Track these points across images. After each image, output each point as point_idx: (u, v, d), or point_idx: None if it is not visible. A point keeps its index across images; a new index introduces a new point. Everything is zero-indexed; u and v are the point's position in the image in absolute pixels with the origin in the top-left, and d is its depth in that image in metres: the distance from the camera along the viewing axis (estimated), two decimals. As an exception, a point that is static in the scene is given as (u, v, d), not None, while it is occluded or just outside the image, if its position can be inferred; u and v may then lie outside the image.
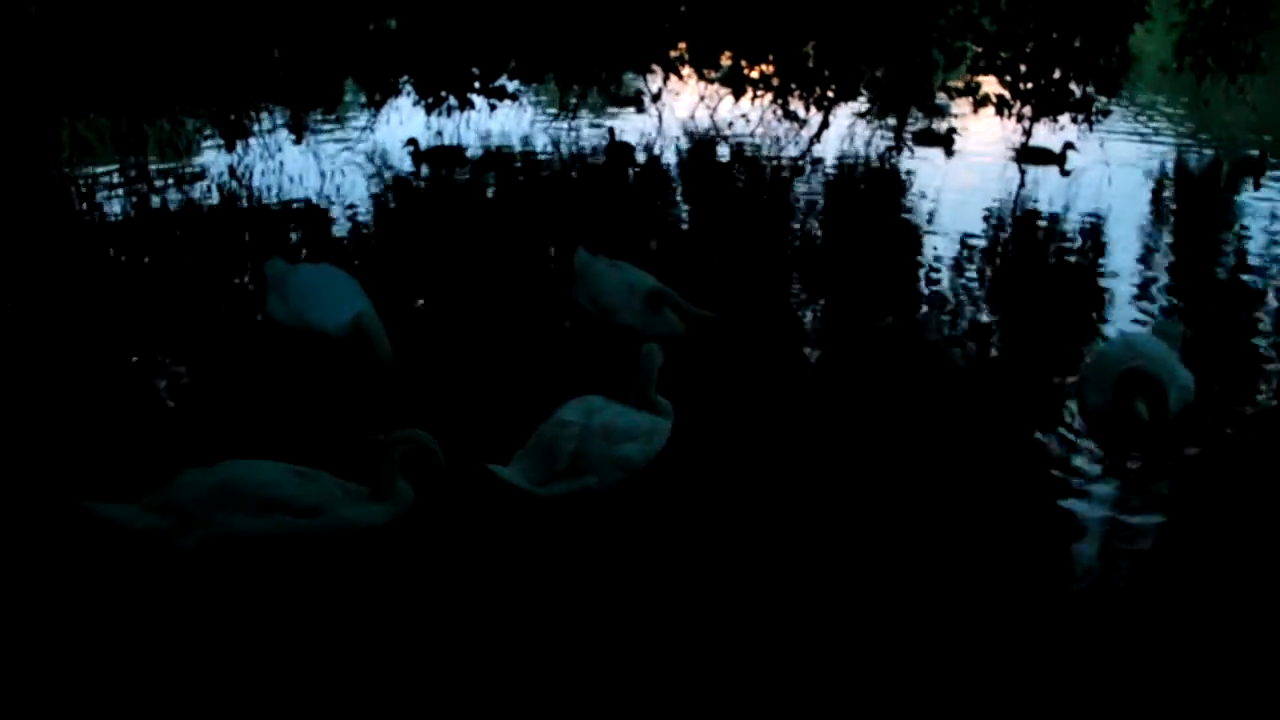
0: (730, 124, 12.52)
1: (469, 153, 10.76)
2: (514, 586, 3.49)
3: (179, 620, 3.31)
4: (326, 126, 12.27)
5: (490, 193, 9.34)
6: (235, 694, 3.01)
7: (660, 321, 5.49)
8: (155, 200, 8.98)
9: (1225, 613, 3.36)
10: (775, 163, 10.50)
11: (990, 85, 11.24)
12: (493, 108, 11.74)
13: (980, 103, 11.20)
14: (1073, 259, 7.33)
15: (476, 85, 11.36)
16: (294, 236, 7.81)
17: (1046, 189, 9.36)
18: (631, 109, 13.28)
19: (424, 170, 10.13)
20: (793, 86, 11.83)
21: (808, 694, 3.00)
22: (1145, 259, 7.30)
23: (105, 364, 5.38)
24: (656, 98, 12.90)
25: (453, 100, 11.44)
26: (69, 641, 3.23)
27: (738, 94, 12.19)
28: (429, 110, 11.54)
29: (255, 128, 10.93)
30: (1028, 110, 10.97)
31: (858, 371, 5.33)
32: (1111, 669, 3.10)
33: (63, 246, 7.63)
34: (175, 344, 5.65)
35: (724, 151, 11.21)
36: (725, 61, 12.23)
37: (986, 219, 8.35)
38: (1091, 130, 11.01)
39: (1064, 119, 10.92)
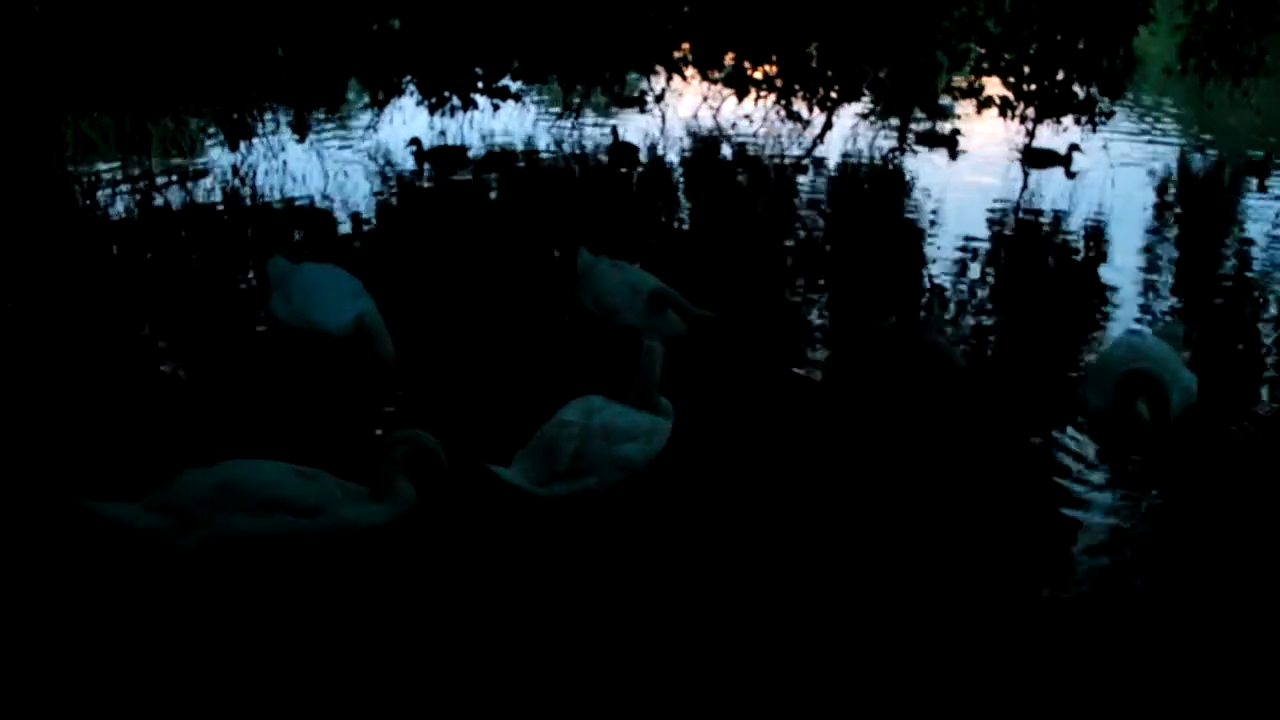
0: (733, 124, 12.52)
1: (472, 153, 10.76)
2: (515, 586, 3.49)
3: (179, 620, 3.31)
4: (330, 126, 12.28)
5: (493, 193, 9.34)
6: (235, 694, 3.01)
7: (662, 322, 5.49)
8: (158, 199, 8.99)
9: (1227, 613, 3.35)
10: (778, 163, 10.50)
11: (994, 86, 11.22)
12: (496, 108, 11.74)
13: (984, 104, 11.19)
14: (1076, 260, 7.33)
15: (480, 85, 11.36)
16: (297, 236, 7.81)
17: (1050, 190, 9.35)
18: (635, 109, 13.28)
19: (427, 170, 10.14)
20: (796, 87, 11.82)
21: (808, 694, 3.00)
22: (1148, 260, 7.29)
23: (107, 363, 5.38)
24: (660, 98, 12.90)
25: (456, 100, 11.44)
26: (69, 641, 3.23)
27: (741, 94, 12.18)
28: (432, 110, 11.54)
29: (259, 127, 10.94)
30: (1031, 112, 10.96)
31: (860, 372, 5.32)
32: (1113, 669, 3.10)
33: (66, 245, 7.63)
34: (177, 343, 5.65)
35: (727, 152, 11.21)
36: (729, 62, 12.23)
37: (989, 220, 8.34)
38: (1095, 132, 10.99)
39: (1067, 120, 10.90)
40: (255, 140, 10.77)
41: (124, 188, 9.37)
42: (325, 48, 10.23)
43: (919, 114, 11.95)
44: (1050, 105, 10.84)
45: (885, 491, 4.10)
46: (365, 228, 8.07)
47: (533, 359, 5.37)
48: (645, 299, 5.49)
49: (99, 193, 9.18)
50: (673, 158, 10.85)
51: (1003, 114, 11.09)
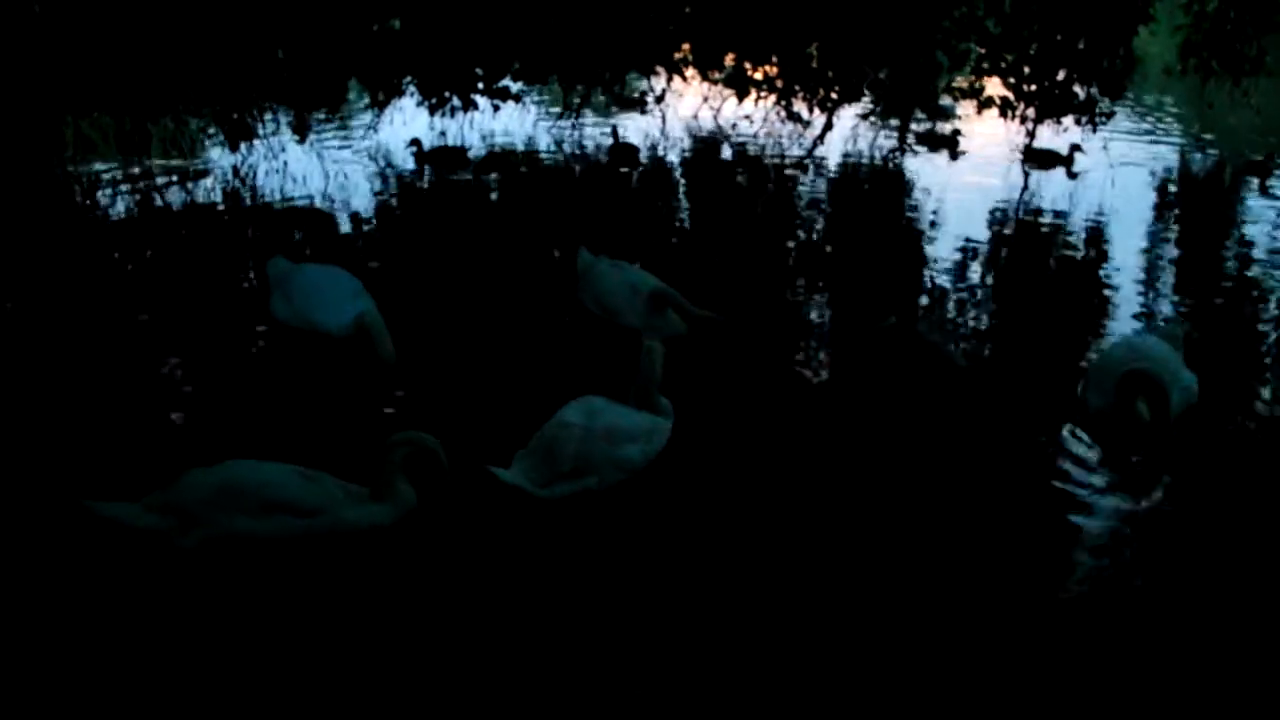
0: (734, 125, 12.52)
1: (472, 153, 10.76)
2: (516, 587, 3.49)
3: (180, 620, 3.31)
4: (330, 127, 12.29)
5: (493, 193, 9.34)
6: (236, 694, 3.01)
7: (663, 322, 5.50)
8: (158, 199, 8.99)
9: (1228, 613, 3.35)
10: (779, 164, 10.50)
11: (994, 87, 11.22)
12: (496, 108, 11.74)
13: (984, 104, 11.19)
14: (1076, 260, 7.33)
15: (480, 86, 11.36)
16: (297, 236, 7.81)
17: (1050, 190, 9.35)
18: (635, 110, 13.28)
19: (427, 171, 10.14)
20: (796, 88, 11.82)
21: (809, 694, 3.00)
22: (1149, 261, 7.29)
23: (108, 363, 5.39)
24: (660, 98, 12.90)
25: (456, 101, 11.44)
26: (69, 640, 3.23)
27: (741, 95, 12.18)
28: (432, 111, 11.54)
29: (259, 127, 10.94)
30: (1031, 112, 10.95)
31: (860, 372, 5.32)
32: (1114, 669, 3.10)
33: (66, 245, 7.64)
34: (178, 344, 5.65)
35: (727, 152, 11.21)
36: (729, 62, 12.23)
37: (990, 220, 8.34)
38: (1095, 132, 10.99)
39: (1068, 121, 10.90)
40: (256, 141, 10.77)
41: (124, 188, 9.37)
42: (325, 48, 10.23)
43: (919, 114, 11.95)
44: (1050, 105, 10.84)
45: (886, 491, 4.10)
46: (365, 228, 8.07)
47: (533, 359, 5.37)
48: (645, 299, 5.49)
49: (99, 193, 9.18)
50: (673, 158, 10.85)
51: (1003, 114, 11.09)
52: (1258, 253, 7.40)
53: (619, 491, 3.96)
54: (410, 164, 10.34)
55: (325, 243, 7.57)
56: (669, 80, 12.69)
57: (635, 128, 12.20)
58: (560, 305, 6.04)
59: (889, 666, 3.12)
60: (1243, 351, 5.57)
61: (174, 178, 9.76)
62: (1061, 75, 10.74)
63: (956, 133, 11.07)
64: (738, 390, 5.04)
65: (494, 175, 9.99)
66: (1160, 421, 4.34)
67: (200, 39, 9.33)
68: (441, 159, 10.45)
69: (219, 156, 10.63)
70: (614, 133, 10.87)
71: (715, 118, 12.95)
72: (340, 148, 11.20)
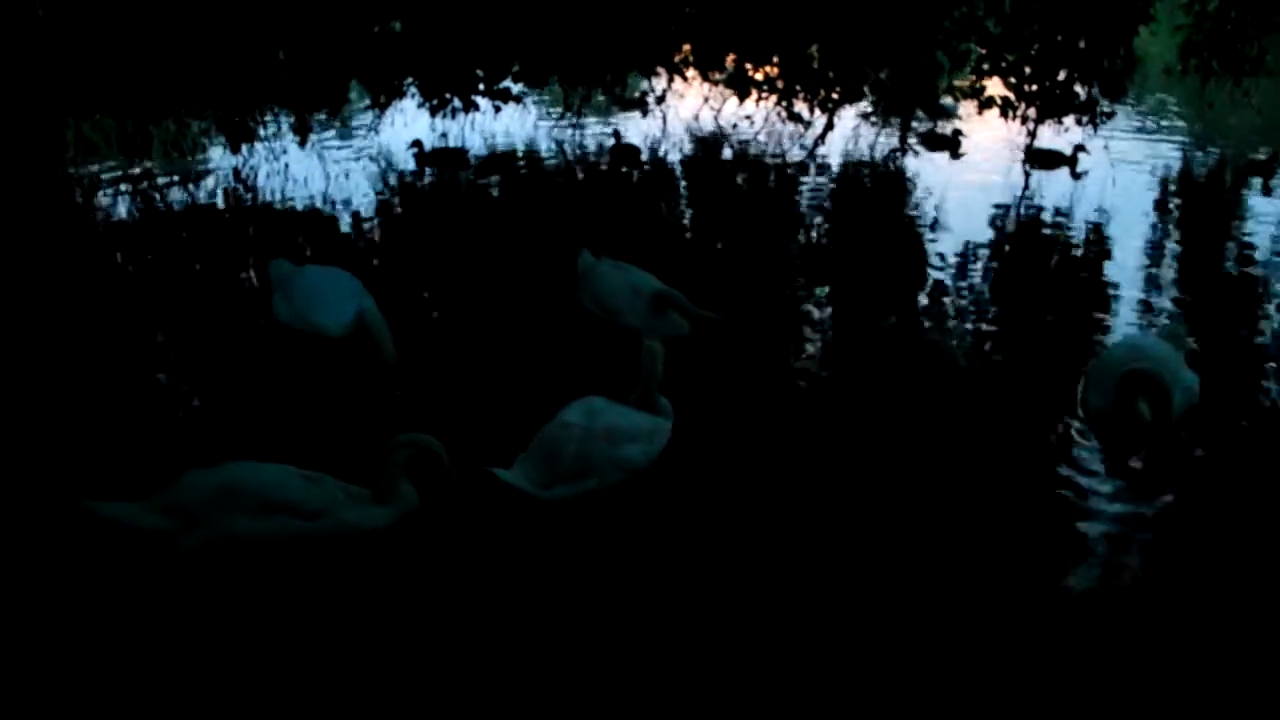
0: (735, 126, 12.51)
1: (473, 154, 10.77)
2: (517, 588, 3.49)
3: (181, 620, 3.32)
4: (331, 128, 12.29)
5: (494, 194, 9.34)
6: (237, 694, 3.01)
7: (664, 323, 5.49)
8: (160, 201, 9.00)
9: (1229, 614, 3.35)
10: (780, 164, 10.50)
11: (995, 87, 11.21)
12: (497, 109, 11.74)
13: (985, 104, 11.18)
14: (1077, 260, 7.32)
15: (481, 87, 11.37)
16: (299, 238, 7.82)
17: (1051, 191, 9.34)
18: (636, 111, 13.28)
19: (428, 172, 10.15)
20: (797, 88, 11.82)
21: (811, 695, 3.00)
22: (1150, 261, 7.28)
23: (110, 364, 5.39)
24: (661, 99, 12.90)
25: (457, 102, 11.45)
26: (71, 640, 3.23)
27: (742, 96, 12.18)
28: (433, 112, 11.55)
29: (260, 129, 10.95)
30: (1032, 112, 10.95)
31: (861, 372, 5.32)
32: (1115, 670, 3.10)
33: (68, 246, 7.65)
34: (180, 345, 5.66)
35: (728, 153, 11.21)
36: (730, 63, 12.22)
37: (991, 220, 8.34)
38: (1096, 132, 10.99)
39: (1069, 121, 10.89)
40: (257, 142, 10.78)
41: (126, 190, 9.38)
42: (326, 50, 10.24)
43: (920, 115, 11.94)
44: (1051, 106, 10.82)
45: (886, 491, 4.10)
46: (367, 230, 8.08)
47: (534, 360, 5.38)
48: (647, 300, 5.50)
49: (100, 195, 9.20)
50: (674, 159, 10.85)
51: (1004, 114, 11.07)
52: (1260, 253, 7.40)
53: (620, 492, 3.96)
54: (411, 165, 10.34)
55: (326, 244, 7.58)
56: (670, 81, 12.68)
57: (636, 129, 12.20)
58: (561, 306, 6.04)
59: (891, 666, 3.12)
60: (1244, 352, 5.57)
61: (175, 179, 9.77)
62: (1062, 75, 10.72)
63: (957, 133, 11.06)
64: (739, 390, 5.04)
65: (495, 176, 9.99)
66: (1162, 422, 4.34)
67: (201, 41, 9.34)
68: (442, 160, 10.45)
69: (220, 158, 10.64)
70: (616, 134, 10.87)
71: (716, 118, 12.95)
72: (341, 149, 11.21)
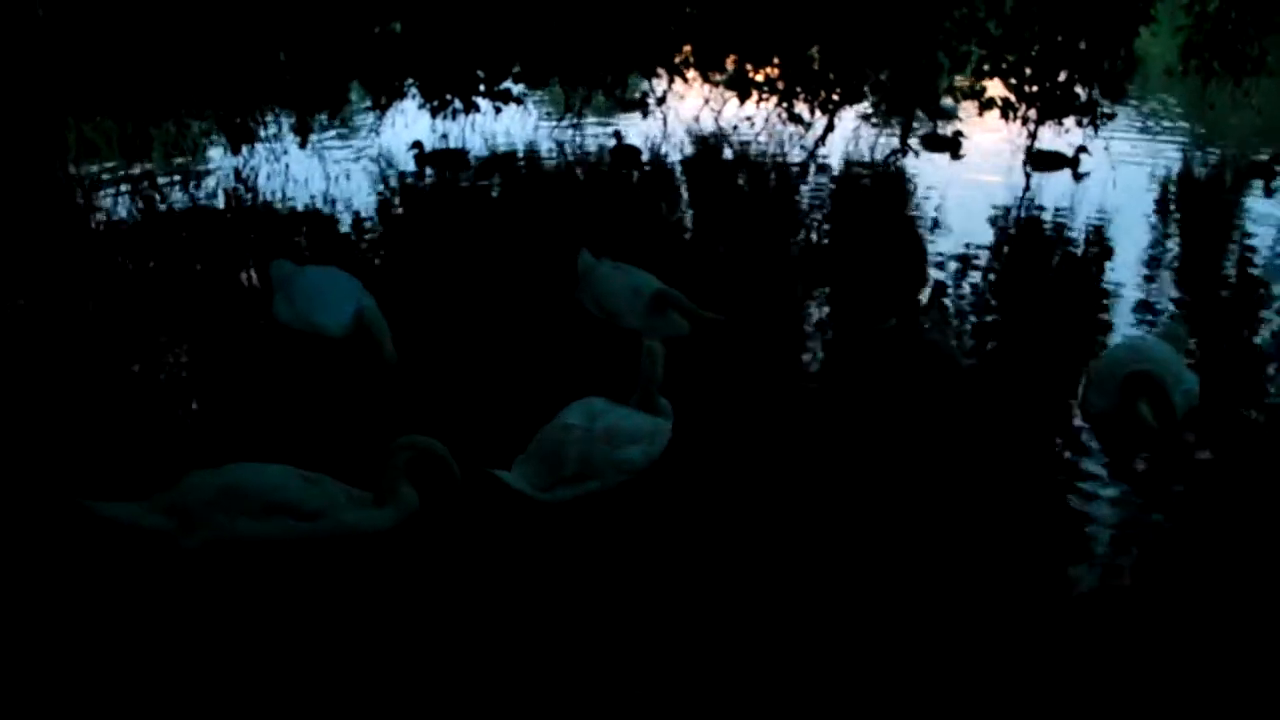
0: (735, 127, 12.52)
1: (473, 156, 10.77)
2: (518, 589, 3.49)
3: (182, 621, 3.31)
4: (332, 129, 12.30)
5: (495, 195, 9.34)
6: (237, 695, 3.01)
7: (665, 324, 5.49)
8: (161, 202, 9.00)
9: (1231, 616, 3.35)
10: (780, 165, 10.50)
11: (995, 88, 11.21)
12: (498, 111, 11.74)
13: (985, 106, 11.18)
14: (1078, 261, 7.32)
15: (481, 88, 11.37)
16: (299, 239, 7.82)
17: (1052, 192, 9.34)
18: (636, 112, 13.28)
19: (428, 173, 10.15)
20: (797, 89, 11.81)
21: (812, 695, 3.00)
22: (1151, 262, 7.28)
23: (111, 365, 5.39)
24: (661, 101, 12.90)
25: (457, 103, 11.45)
26: (70, 639, 3.23)
27: (743, 97, 12.17)
28: (434, 113, 11.55)
29: (261, 130, 10.96)
30: (1033, 113, 10.94)
31: (862, 373, 5.32)
32: (1118, 671, 3.09)
33: (69, 248, 7.65)
34: (181, 346, 5.66)
35: (729, 154, 11.21)
36: (730, 64, 12.23)
37: (991, 221, 8.33)
38: (1097, 134, 10.98)
39: (1069, 122, 10.89)
40: (257, 143, 10.79)
41: (126, 191, 9.38)
42: (327, 51, 10.24)
43: (920, 116, 11.94)
44: (1052, 107, 10.82)
45: (888, 492, 4.10)
46: (367, 230, 8.08)
47: (535, 361, 5.37)
48: (647, 301, 5.50)
49: (101, 196, 9.20)
50: (674, 160, 10.85)
51: (1004, 116, 11.07)
52: (1260, 254, 7.39)
53: (620, 493, 3.96)
54: (411, 166, 10.35)
55: (327, 245, 7.58)
56: (670, 82, 12.68)
57: (637, 130, 12.21)
58: (561, 307, 6.04)
59: (892, 667, 3.12)
60: (1245, 353, 5.56)
61: (176, 180, 9.77)
62: (1063, 76, 10.72)
63: (959, 134, 11.06)
64: (739, 391, 5.04)
65: (495, 177, 9.99)
66: (1166, 423, 4.34)
67: (202, 42, 9.34)
68: (443, 161, 10.46)
69: (221, 159, 10.64)
70: (616, 135, 10.87)
71: (716, 120, 12.95)
72: (342, 150, 11.21)
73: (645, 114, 13.17)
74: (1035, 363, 5.45)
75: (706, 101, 13.12)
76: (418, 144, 10.46)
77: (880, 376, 5.27)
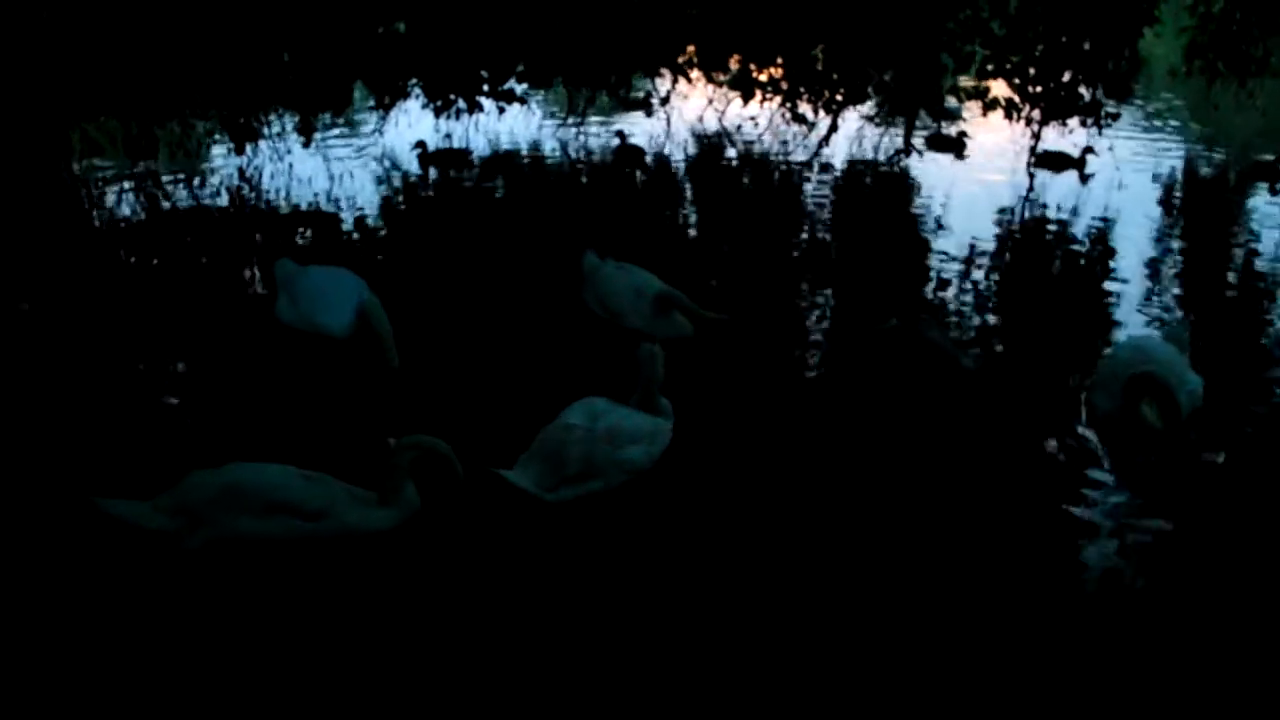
0: (739, 127, 12.52)
1: (477, 155, 10.77)
2: (519, 589, 3.50)
3: (184, 620, 3.32)
4: (335, 129, 12.31)
5: (499, 195, 9.35)
6: (239, 694, 3.02)
7: (668, 324, 5.50)
8: (165, 202, 9.02)
9: (1235, 617, 3.34)
10: (784, 166, 10.50)
11: (999, 88, 11.20)
12: (501, 111, 11.75)
13: (989, 106, 11.17)
14: (1082, 263, 7.31)
15: (485, 88, 11.38)
16: (303, 239, 7.83)
17: (1056, 192, 9.33)
18: (640, 112, 13.29)
19: (432, 173, 10.16)
20: (801, 90, 11.81)
21: (813, 696, 3.00)
22: (1155, 263, 7.27)
23: (115, 364, 5.40)
24: (665, 101, 12.90)
25: (461, 103, 11.46)
26: (74, 637, 3.24)
27: (746, 97, 12.17)
28: (437, 113, 11.56)
29: (265, 131, 10.97)
30: (1037, 114, 10.93)
31: (864, 374, 5.32)
32: (1120, 673, 3.09)
33: (73, 247, 7.66)
34: (184, 345, 5.67)
35: (732, 154, 11.21)
36: (734, 64, 12.22)
37: (995, 222, 8.33)
38: (1101, 134, 10.97)
39: (1073, 123, 10.88)
40: (261, 143, 10.80)
41: (131, 191, 9.40)
42: (331, 51, 10.26)
43: (924, 116, 11.93)
44: (1056, 107, 10.81)
45: (890, 493, 4.10)
46: (371, 230, 8.09)
47: (538, 362, 5.38)
48: (651, 301, 5.50)
49: (106, 196, 9.21)
50: (678, 161, 10.85)
51: (1008, 116, 11.06)
52: (1264, 256, 7.38)
53: (621, 493, 3.96)
54: (415, 166, 10.35)
55: (330, 245, 7.59)
56: (674, 82, 12.68)
57: (640, 130, 12.21)
58: (564, 307, 6.04)
59: (894, 667, 3.12)
60: (1249, 354, 5.56)
61: (180, 178, 9.79)
62: (1067, 77, 10.70)
63: (963, 135, 11.06)
64: (741, 391, 5.04)
65: (499, 177, 10.00)
66: (1169, 424, 4.33)
67: (206, 43, 9.36)
68: (446, 161, 10.46)
69: (225, 160, 10.66)
70: (620, 135, 10.87)
71: (720, 120, 12.95)
72: (345, 150, 11.22)
73: (649, 114, 13.17)
74: (1039, 363, 5.44)
75: (710, 101, 13.12)
76: (421, 144, 10.47)
77: (883, 377, 5.27)
